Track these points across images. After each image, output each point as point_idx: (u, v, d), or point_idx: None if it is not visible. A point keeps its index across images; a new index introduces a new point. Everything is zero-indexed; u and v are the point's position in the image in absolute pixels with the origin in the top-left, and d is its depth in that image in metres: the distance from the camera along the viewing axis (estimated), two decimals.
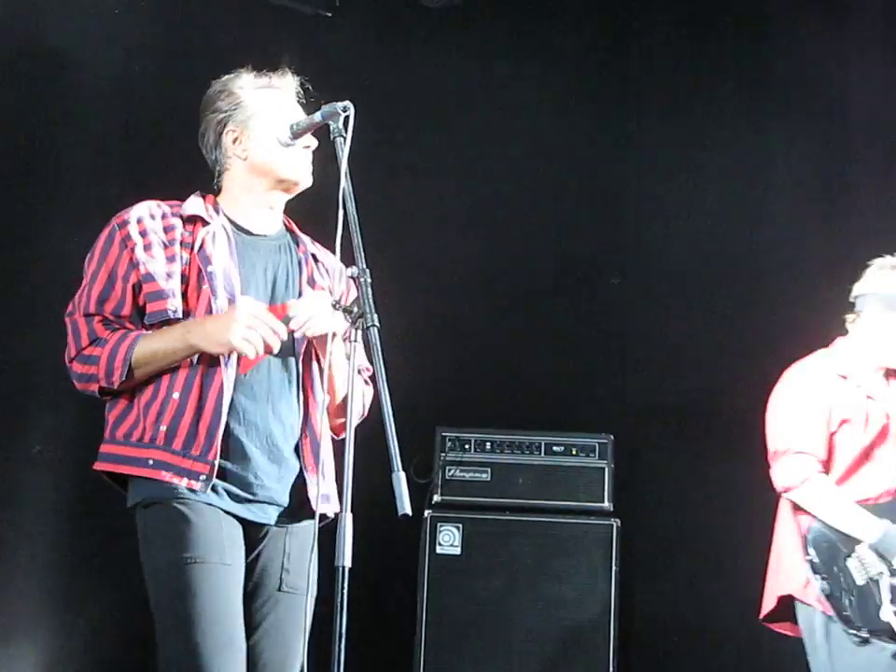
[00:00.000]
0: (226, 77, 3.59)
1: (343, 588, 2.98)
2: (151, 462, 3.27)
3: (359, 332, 3.12)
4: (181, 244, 3.40)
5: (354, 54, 5.99)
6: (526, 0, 6.25)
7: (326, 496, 3.43)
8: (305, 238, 3.64)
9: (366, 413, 3.56)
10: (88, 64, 5.59)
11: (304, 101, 3.60)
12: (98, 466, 3.37)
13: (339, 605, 2.98)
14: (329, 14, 6.06)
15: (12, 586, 5.33)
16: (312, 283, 3.52)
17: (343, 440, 3.06)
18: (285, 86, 3.57)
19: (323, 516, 3.37)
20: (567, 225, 6.17)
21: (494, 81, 6.25)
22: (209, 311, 3.33)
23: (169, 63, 5.72)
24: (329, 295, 3.39)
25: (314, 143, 3.51)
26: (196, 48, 5.61)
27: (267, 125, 3.49)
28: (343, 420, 3.25)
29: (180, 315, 3.34)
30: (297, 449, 3.41)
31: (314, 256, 3.59)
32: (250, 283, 3.42)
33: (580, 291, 6.12)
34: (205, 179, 3.60)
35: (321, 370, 3.44)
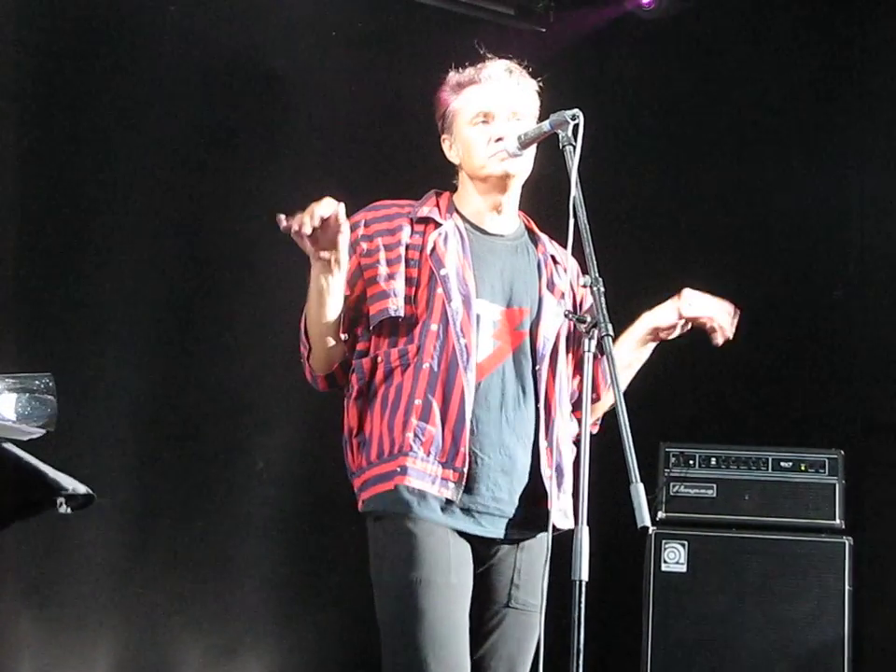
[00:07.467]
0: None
1: (580, 602, 2.92)
2: (399, 469, 3.22)
3: (593, 342, 3.07)
4: (411, 246, 3.34)
5: (568, 69, 5.95)
6: (746, 9, 6.14)
7: (563, 510, 3.35)
8: (544, 237, 3.53)
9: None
10: (304, 85, 5.69)
11: (527, 70, 3.48)
12: (362, 500, 3.32)
13: (576, 620, 2.93)
14: (544, 30, 6.05)
15: (237, 601, 5.41)
16: (551, 286, 3.43)
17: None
18: (486, 75, 3.43)
19: (554, 528, 3.25)
20: (788, 237, 6.03)
21: (711, 89, 6.16)
22: (444, 314, 3.27)
23: (382, 86, 5.77)
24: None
25: (504, 132, 3.37)
26: (408, 68, 5.63)
27: (467, 124, 3.42)
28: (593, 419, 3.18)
29: (401, 314, 3.29)
30: (532, 461, 3.32)
31: (552, 257, 3.49)
32: (485, 284, 3.35)
33: (803, 304, 5.97)
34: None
35: (555, 378, 3.36)
